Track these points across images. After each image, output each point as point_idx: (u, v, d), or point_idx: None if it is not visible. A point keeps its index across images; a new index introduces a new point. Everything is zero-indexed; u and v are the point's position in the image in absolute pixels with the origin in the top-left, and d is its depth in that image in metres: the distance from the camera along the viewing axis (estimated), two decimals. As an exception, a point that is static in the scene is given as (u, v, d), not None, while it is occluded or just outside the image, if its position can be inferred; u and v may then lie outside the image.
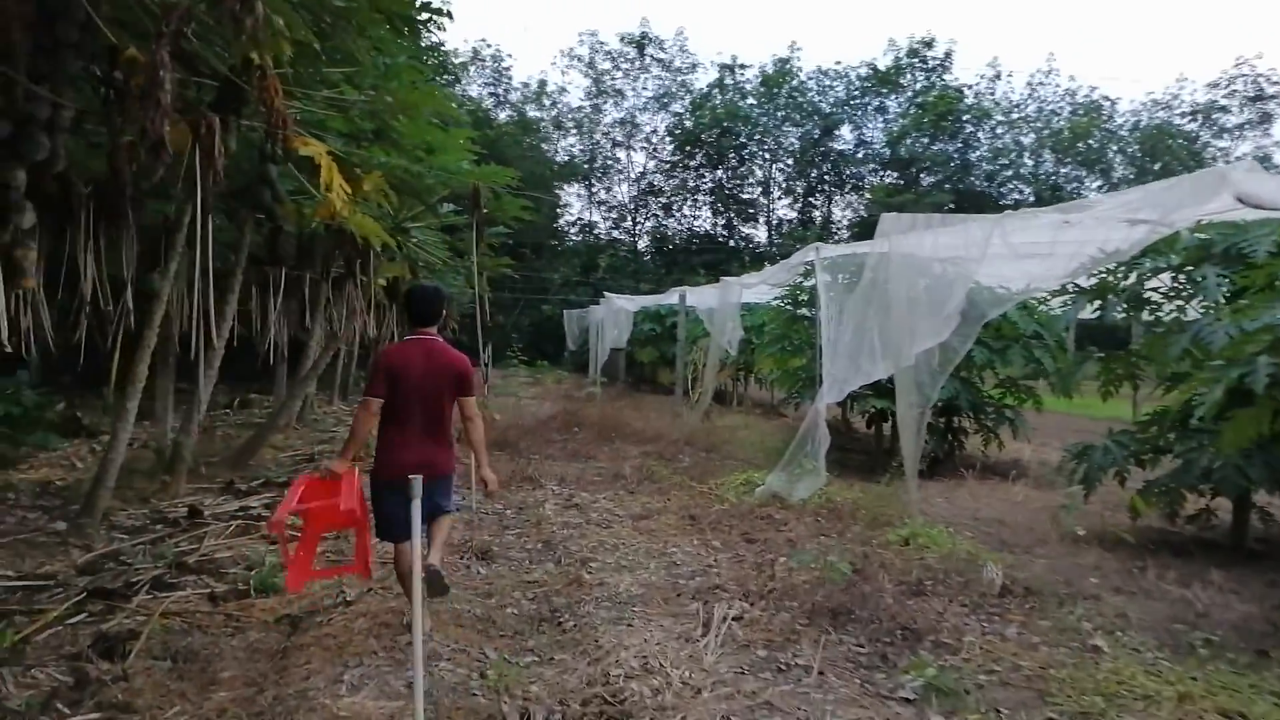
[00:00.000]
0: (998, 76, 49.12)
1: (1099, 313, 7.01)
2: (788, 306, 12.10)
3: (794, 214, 45.06)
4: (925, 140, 42.11)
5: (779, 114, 43.65)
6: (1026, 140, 45.40)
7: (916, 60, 44.04)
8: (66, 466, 9.51)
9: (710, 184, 44.09)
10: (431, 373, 4.28)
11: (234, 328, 8.53)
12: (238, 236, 8.16)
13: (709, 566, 5.88)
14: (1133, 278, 6.91)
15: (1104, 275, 7.10)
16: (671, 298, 17.48)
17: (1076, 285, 7.19)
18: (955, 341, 6.75)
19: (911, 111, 42.81)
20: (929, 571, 5.63)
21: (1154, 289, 6.96)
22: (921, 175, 41.77)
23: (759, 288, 13.13)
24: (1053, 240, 6.59)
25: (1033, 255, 7.13)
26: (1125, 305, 6.85)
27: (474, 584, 5.49)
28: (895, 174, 42.61)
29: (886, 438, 11.19)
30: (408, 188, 9.14)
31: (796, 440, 8.00)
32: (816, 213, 44.60)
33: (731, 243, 43.35)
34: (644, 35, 43.66)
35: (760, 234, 44.83)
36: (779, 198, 45.57)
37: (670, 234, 44.41)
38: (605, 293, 21.48)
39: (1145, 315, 6.94)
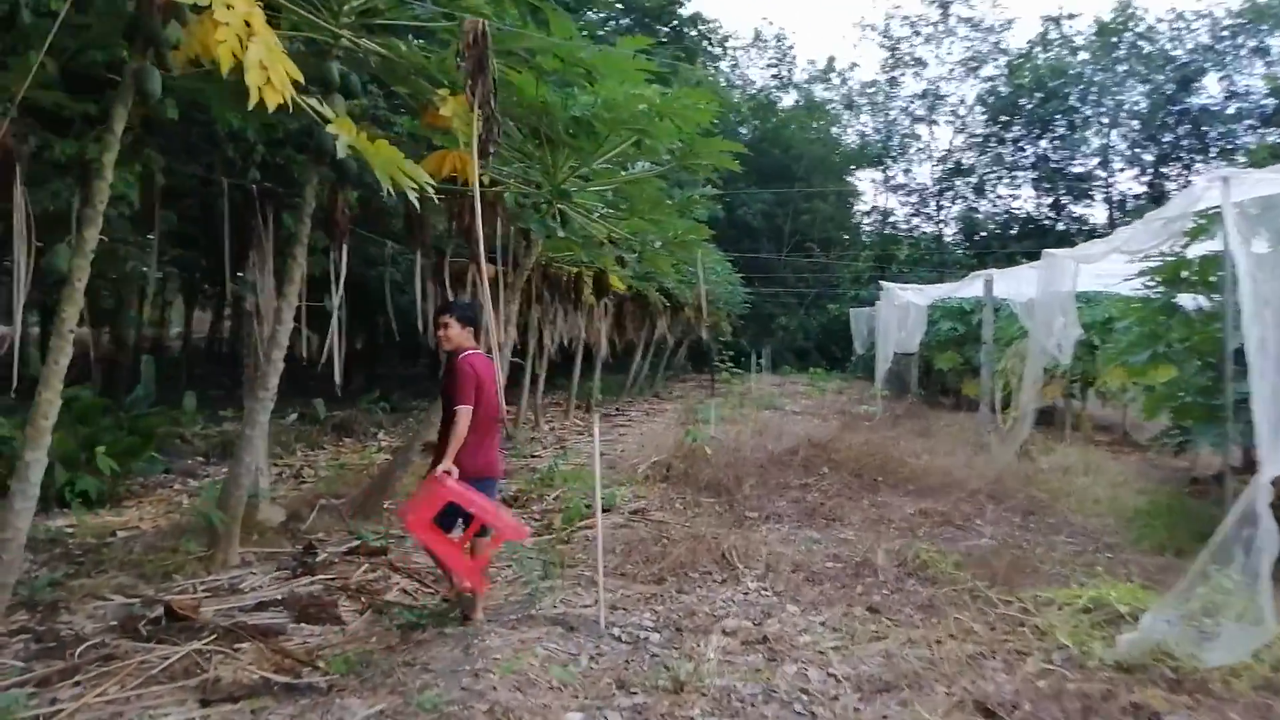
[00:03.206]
0: None
1: None
2: (1158, 290, 7.74)
3: (1142, 188, 37.27)
4: (1327, 84, 32.75)
5: (1119, 69, 36.29)
6: None
7: (1311, -18, 34.53)
8: (175, 505, 7.74)
9: (1032, 158, 37.81)
10: (492, 383, 4.72)
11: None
12: (300, 202, 5.69)
13: None
14: None
15: None
16: (974, 287, 13.25)
17: None
18: None
19: (1306, 48, 33.60)
20: None
21: None
22: (1322, 129, 32.56)
23: (1107, 263, 8.81)
24: None
25: None
26: None
27: None
28: (1282, 130, 33.58)
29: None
30: (546, 125, 6.25)
31: (1211, 548, 4.02)
32: (1171, 184, 36.46)
33: (1060, 225, 36.70)
34: (948, -8, 38.28)
35: (1097, 214, 37.71)
36: (1121, 169, 38.07)
37: (982, 218, 38.61)
38: (883, 283, 17.35)
39: None
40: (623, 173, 7.78)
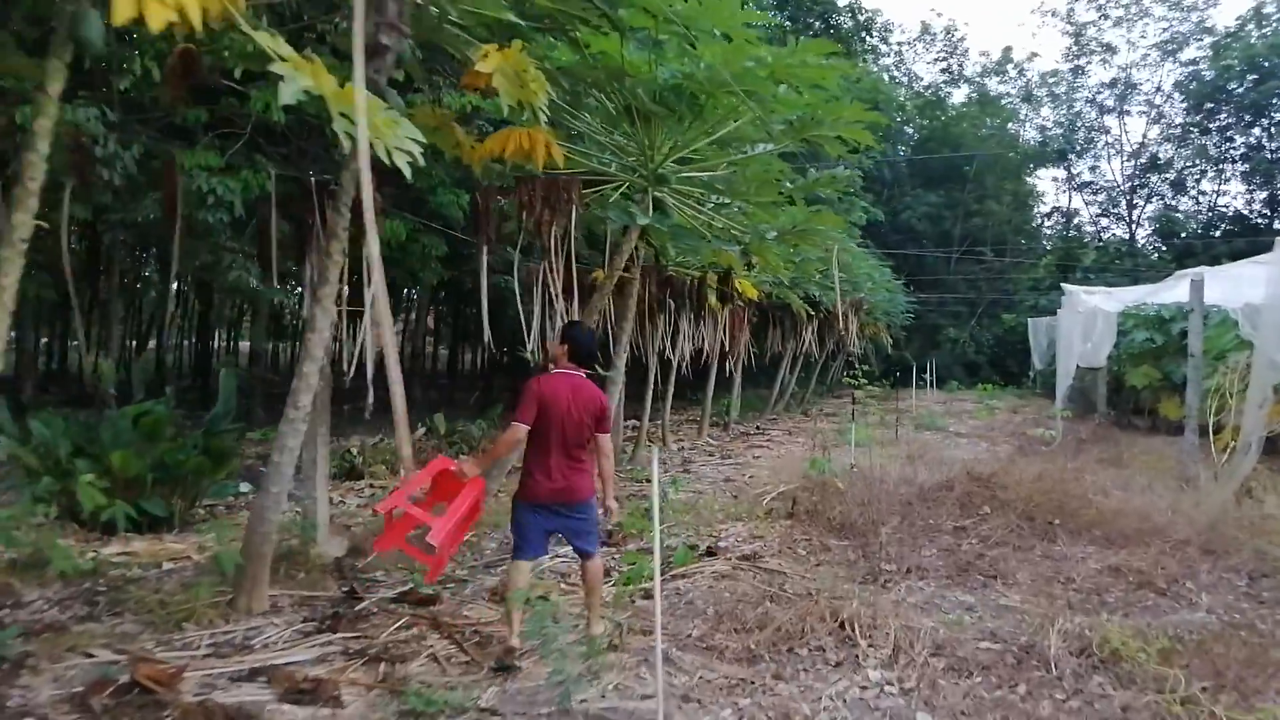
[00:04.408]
0: None
1: None
2: None
3: (1383, 179, 32.29)
4: None
5: (1353, 41, 31.49)
6: None
7: None
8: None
9: (1242, 149, 33.52)
10: (576, 406, 4.43)
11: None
12: (339, 190, 4.89)
13: None
14: None
15: None
16: (1176, 290, 11.17)
17: None
18: None
19: None
20: None
21: None
22: None
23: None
24: None
25: None
26: None
27: None
28: None
29: None
30: (631, 94, 5.21)
31: None
32: None
33: (1278, 224, 32.21)
34: (1141, -31, 34.61)
35: (1322, 210, 32.90)
36: (1354, 158, 33.05)
37: (1183, 218, 34.52)
38: (1065, 286, 15.18)
39: None
40: (738, 155, 6.62)
